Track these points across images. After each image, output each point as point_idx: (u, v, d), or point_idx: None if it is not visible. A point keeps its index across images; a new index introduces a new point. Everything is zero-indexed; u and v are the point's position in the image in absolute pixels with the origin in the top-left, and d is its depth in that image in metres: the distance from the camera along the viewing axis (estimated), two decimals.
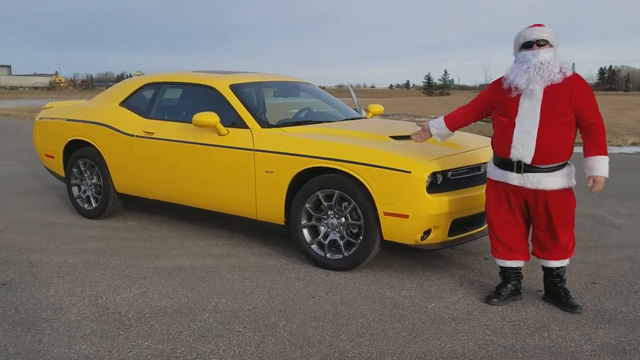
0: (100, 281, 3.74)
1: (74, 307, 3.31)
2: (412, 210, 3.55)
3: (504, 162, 3.21)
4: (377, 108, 5.60)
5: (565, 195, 3.19)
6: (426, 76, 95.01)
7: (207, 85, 4.71)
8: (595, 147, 3.14)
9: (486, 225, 3.63)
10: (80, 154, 5.35)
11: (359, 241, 3.81)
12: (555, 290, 3.37)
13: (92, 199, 5.39)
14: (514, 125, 3.12)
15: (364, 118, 5.31)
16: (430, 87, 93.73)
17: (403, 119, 15.45)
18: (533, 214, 3.27)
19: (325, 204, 3.91)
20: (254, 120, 4.34)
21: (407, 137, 4.17)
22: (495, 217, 3.34)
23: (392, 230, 3.65)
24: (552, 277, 3.36)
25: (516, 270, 3.41)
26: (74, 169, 5.44)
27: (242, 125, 4.33)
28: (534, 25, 3.17)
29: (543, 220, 3.24)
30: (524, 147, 3.09)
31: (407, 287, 3.67)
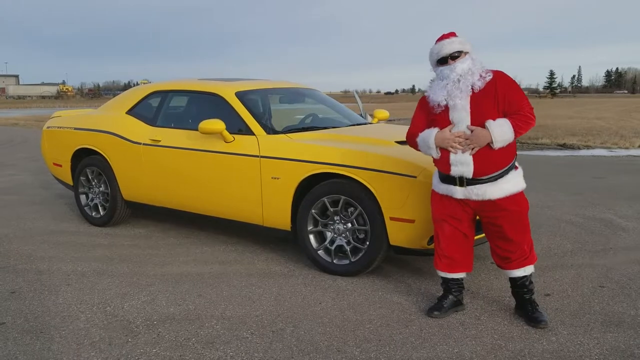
0: (108, 289, 3.76)
1: (82, 315, 3.33)
2: (418, 215, 3.55)
3: (446, 177, 3.10)
4: (383, 113, 5.61)
5: (514, 200, 3.06)
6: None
7: (213, 93, 4.74)
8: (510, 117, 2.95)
9: None
10: (87, 162, 5.39)
11: (366, 246, 3.81)
12: (522, 302, 3.23)
13: (99, 207, 5.42)
14: None
15: (370, 123, 5.32)
16: None
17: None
18: (484, 225, 3.16)
19: (332, 209, 3.91)
20: (259, 126, 4.36)
21: None
22: (440, 229, 3.20)
23: (398, 235, 3.65)
24: (518, 288, 3.23)
25: (458, 281, 3.32)
26: (81, 177, 5.48)
27: (248, 132, 4.36)
28: (442, 38, 3.06)
29: (495, 229, 3.12)
30: (462, 164, 2.98)
31: (414, 292, 3.67)
